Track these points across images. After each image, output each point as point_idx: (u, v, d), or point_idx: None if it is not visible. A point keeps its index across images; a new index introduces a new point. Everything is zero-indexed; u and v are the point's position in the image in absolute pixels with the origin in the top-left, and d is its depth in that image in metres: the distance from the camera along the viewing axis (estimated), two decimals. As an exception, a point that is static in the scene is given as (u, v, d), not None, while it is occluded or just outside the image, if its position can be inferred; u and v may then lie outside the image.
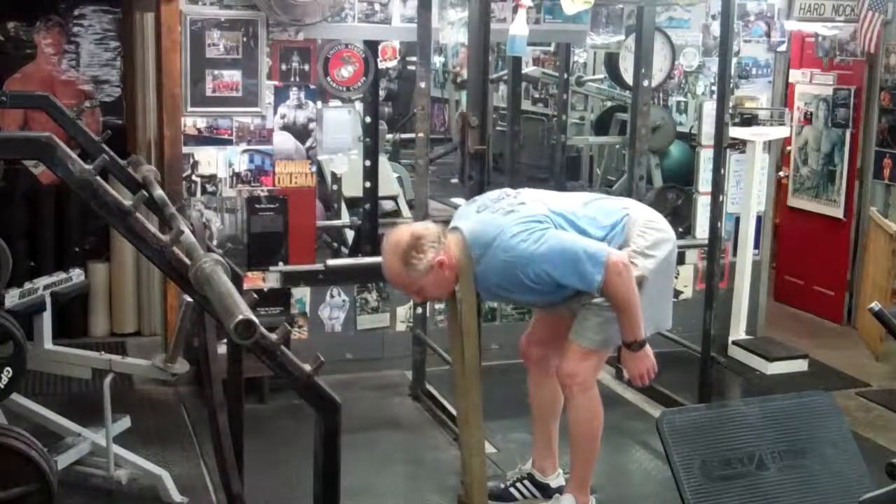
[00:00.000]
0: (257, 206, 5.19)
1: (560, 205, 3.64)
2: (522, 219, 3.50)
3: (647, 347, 3.57)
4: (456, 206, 7.00)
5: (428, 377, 5.17)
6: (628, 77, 5.76)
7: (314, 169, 5.34)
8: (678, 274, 6.00)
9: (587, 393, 3.67)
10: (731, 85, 5.34)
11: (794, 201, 7.24)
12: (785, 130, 6.15)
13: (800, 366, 5.85)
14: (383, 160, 6.76)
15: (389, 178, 7.09)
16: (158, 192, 3.22)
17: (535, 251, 3.43)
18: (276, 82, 5.15)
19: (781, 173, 7.17)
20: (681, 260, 6.01)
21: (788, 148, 7.20)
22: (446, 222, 3.72)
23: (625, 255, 3.51)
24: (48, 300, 4.05)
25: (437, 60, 10.25)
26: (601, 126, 7.81)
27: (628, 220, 3.64)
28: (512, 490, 3.96)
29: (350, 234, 6.62)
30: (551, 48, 8.57)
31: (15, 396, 3.83)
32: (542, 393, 3.91)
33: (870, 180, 6.68)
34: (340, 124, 5.63)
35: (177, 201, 3.88)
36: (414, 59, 5.66)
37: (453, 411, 4.68)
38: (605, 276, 3.42)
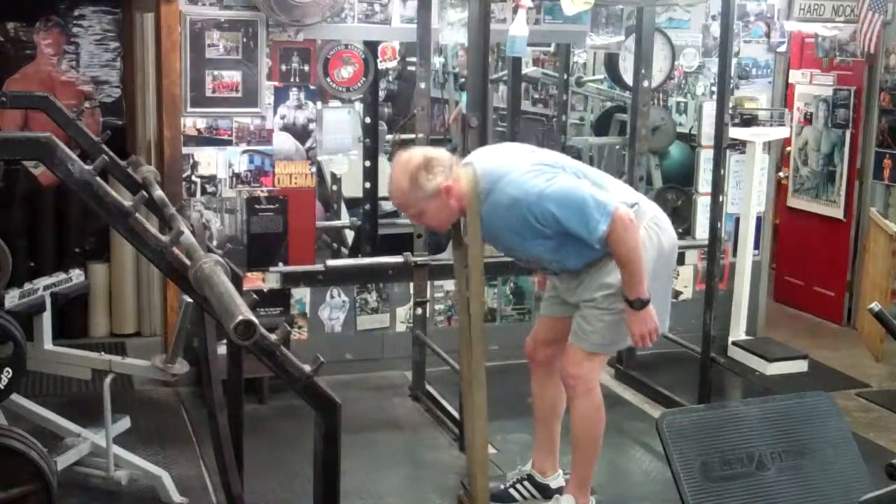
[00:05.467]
0: (257, 206, 5.19)
1: (578, 164, 3.67)
2: (537, 161, 3.50)
3: (651, 308, 3.49)
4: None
5: (428, 377, 5.17)
6: (628, 77, 5.76)
7: (314, 169, 5.34)
8: (678, 274, 6.01)
9: (590, 394, 3.67)
10: (731, 85, 5.35)
11: (794, 202, 7.24)
12: (785, 131, 6.15)
13: (800, 366, 5.84)
14: (383, 160, 6.76)
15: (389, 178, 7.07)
16: (158, 192, 3.22)
17: (543, 189, 3.39)
18: (275, 83, 5.15)
19: (781, 174, 7.17)
20: (681, 260, 6.01)
21: (788, 148, 7.20)
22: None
23: (631, 212, 3.48)
24: (48, 300, 4.05)
25: (437, 61, 10.24)
26: (601, 127, 7.79)
27: (638, 209, 3.63)
28: (512, 491, 3.96)
29: (350, 235, 6.62)
30: (551, 49, 8.56)
31: (15, 397, 3.82)
32: (545, 393, 3.91)
33: (870, 181, 6.69)
34: (340, 125, 5.63)
35: (176, 202, 3.89)
36: (414, 59, 5.65)
37: (453, 411, 4.69)
38: (610, 227, 3.37)
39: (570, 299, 3.69)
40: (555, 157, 3.64)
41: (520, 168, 3.45)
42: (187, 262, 2.31)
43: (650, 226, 3.63)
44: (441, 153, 3.51)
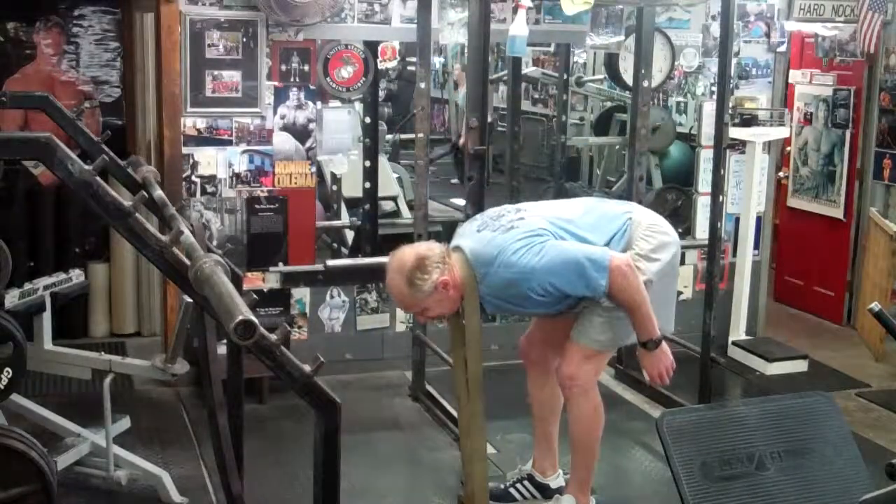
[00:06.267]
0: (257, 206, 5.19)
1: (560, 214, 3.64)
2: (522, 234, 3.50)
3: (664, 345, 3.54)
4: (456, 207, 7.03)
5: (428, 377, 5.17)
6: (628, 77, 5.76)
7: (314, 169, 5.34)
8: (678, 274, 6.00)
9: (588, 394, 3.66)
10: (731, 85, 5.35)
11: (794, 202, 7.24)
12: (785, 131, 6.15)
13: (800, 366, 5.85)
14: (383, 161, 6.76)
15: (389, 178, 7.09)
16: (158, 192, 3.22)
17: (536, 264, 3.42)
18: (275, 83, 5.15)
19: (781, 174, 7.17)
20: (681, 260, 5.97)
21: (788, 148, 7.20)
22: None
23: (627, 257, 3.51)
24: (48, 300, 4.05)
25: (437, 61, 10.25)
26: (601, 126, 7.81)
27: (631, 223, 3.64)
28: (512, 491, 3.96)
29: (350, 235, 6.62)
30: (551, 49, 8.57)
31: (15, 397, 3.82)
32: (541, 393, 3.91)
33: (869, 181, 6.68)
34: (340, 125, 5.63)
35: (176, 202, 3.89)
36: (414, 59, 5.65)
37: (453, 412, 4.69)
38: (610, 280, 3.41)
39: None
40: (535, 222, 3.56)
41: (509, 248, 3.47)
42: (187, 262, 2.31)
43: (648, 234, 3.64)
44: (431, 248, 3.56)
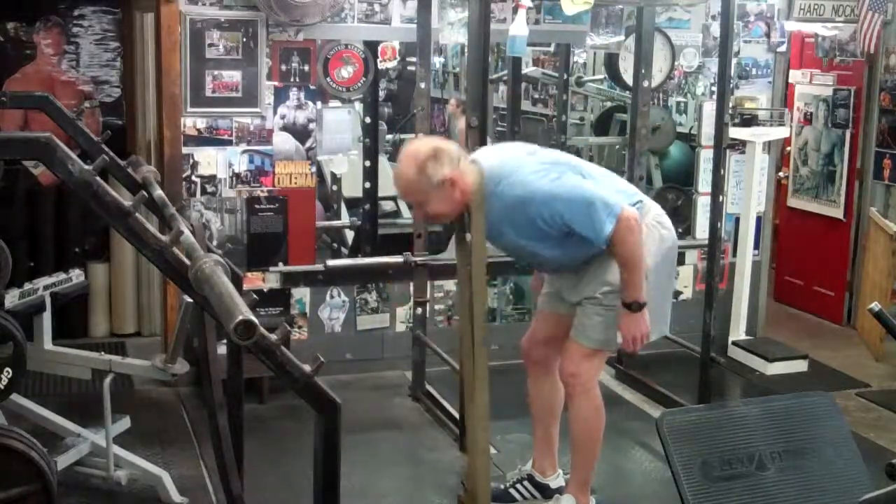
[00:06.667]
0: (257, 206, 5.19)
1: (582, 163, 3.70)
2: (544, 160, 3.52)
3: (645, 312, 3.51)
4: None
5: (428, 377, 5.17)
6: (628, 77, 5.76)
7: (314, 169, 5.34)
8: (678, 274, 6.00)
9: (589, 393, 3.67)
10: (731, 85, 5.35)
11: (794, 202, 7.24)
12: (785, 131, 6.15)
13: (800, 366, 5.85)
14: (383, 161, 6.76)
15: (389, 178, 7.08)
16: (158, 192, 3.22)
17: (550, 189, 3.40)
18: (275, 83, 5.15)
19: (781, 174, 7.17)
20: (681, 260, 6.00)
21: (788, 148, 7.20)
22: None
23: (637, 213, 3.49)
24: (48, 300, 4.04)
25: (437, 61, 10.24)
26: (601, 126, 7.80)
27: (642, 206, 3.64)
28: (512, 491, 3.96)
29: (350, 235, 6.62)
30: (551, 49, 8.56)
31: (15, 397, 3.82)
32: (541, 394, 3.91)
33: (870, 181, 6.69)
34: (340, 125, 5.62)
35: (176, 202, 3.89)
36: (414, 59, 5.65)
37: (453, 411, 4.69)
38: (615, 229, 3.38)
39: (571, 298, 3.69)
40: (559, 156, 3.66)
41: (526, 168, 3.47)
42: (187, 262, 2.31)
43: (653, 224, 3.64)
44: (450, 145, 3.52)
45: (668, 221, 3.73)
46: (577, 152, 8.42)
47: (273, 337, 2.07)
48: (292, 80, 5.17)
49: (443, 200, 3.45)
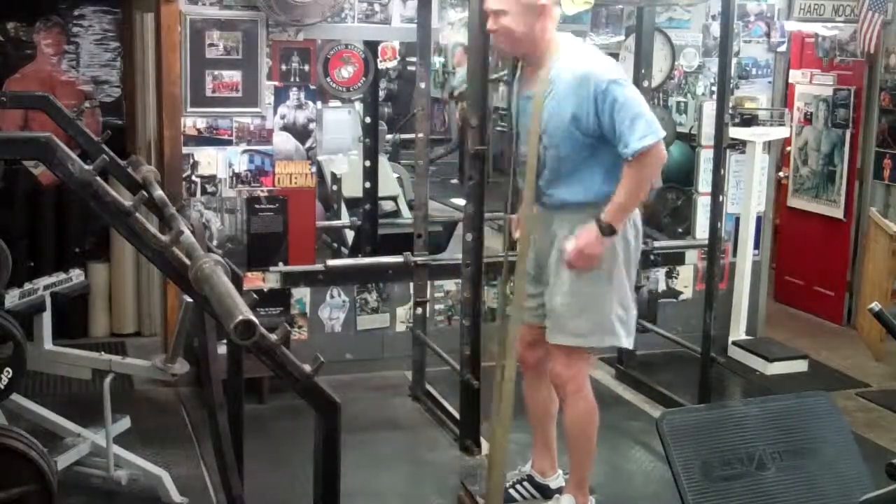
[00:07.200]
0: (257, 206, 5.19)
1: None
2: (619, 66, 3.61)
3: (606, 241, 3.45)
4: (456, 207, 7.03)
5: (428, 377, 5.17)
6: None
7: (314, 169, 5.33)
8: (678, 274, 6.01)
9: (580, 392, 3.67)
10: (731, 85, 5.34)
11: (794, 202, 7.24)
12: (785, 131, 6.15)
13: (800, 366, 5.85)
14: (383, 160, 6.76)
15: (389, 178, 7.09)
16: (158, 192, 3.22)
17: (616, 78, 3.44)
18: (276, 82, 5.15)
19: (781, 174, 7.17)
20: (681, 260, 6.02)
21: (788, 148, 7.20)
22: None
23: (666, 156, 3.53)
24: (48, 300, 4.04)
25: (437, 61, 10.24)
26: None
27: None
28: (511, 492, 3.95)
29: (350, 235, 6.62)
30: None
31: (15, 396, 3.82)
32: (536, 395, 3.91)
33: (870, 181, 6.69)
34: (340, 125, 5.63)
35: (177, 202, 3.89)
36: (414, 59, 5.65)
37: (453, 411, 4.69)
38: (644, 152, 3.36)
39: (546, 273, 3.67)
40: None
41: (602, 57, 3.58)
42: (187, 262, 2.31)
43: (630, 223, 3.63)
44: None
45: (637, 215, 3.69)
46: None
47: (273, 337, 2.07)
48: (292, 79, 5.17)
49: (524, 21, 3.53)
